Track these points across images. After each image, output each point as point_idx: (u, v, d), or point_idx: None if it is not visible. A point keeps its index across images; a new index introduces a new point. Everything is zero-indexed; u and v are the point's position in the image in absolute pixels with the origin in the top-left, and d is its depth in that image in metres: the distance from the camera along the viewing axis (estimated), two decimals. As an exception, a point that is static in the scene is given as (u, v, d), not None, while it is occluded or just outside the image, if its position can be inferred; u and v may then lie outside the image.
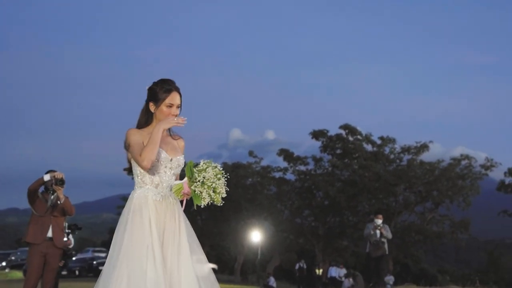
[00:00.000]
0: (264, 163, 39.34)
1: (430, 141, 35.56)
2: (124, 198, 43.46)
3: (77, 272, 28.59)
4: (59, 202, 6.15)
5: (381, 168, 34.03)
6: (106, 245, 45.12)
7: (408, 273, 35.55)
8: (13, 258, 37.39)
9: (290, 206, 38.27)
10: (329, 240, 36.98)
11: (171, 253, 3.03)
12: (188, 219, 3.22)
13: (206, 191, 2.97)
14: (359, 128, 36.82)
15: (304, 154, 38.82)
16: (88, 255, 32.14)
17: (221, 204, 3.04)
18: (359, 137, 36.43)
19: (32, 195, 6.12)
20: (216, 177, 2.99)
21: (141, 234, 2.99)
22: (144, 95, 3.24)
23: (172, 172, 3.17)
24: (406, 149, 35.49)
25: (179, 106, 3.20)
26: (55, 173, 6.04)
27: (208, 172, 2.98)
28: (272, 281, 26.52)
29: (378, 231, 11.94)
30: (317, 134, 36.77)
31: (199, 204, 3.02)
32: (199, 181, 2.98)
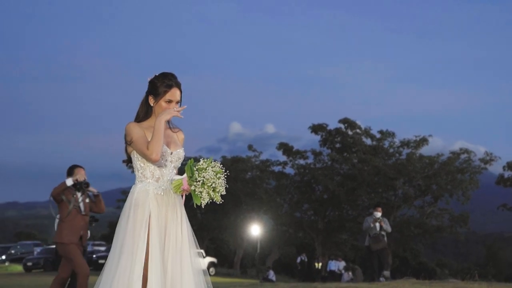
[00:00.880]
0: (263, 157, 39.49)
1: (430, 135, 35.65)
2: (124, 192, 43.50)
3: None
4: (84, 201, 6.47)
5: (381, 162, 34.02)
6: (106, 238, 45.15)
7: (407, 267, 35.58)
8: (12, 251, 37.45)
9: (289, 200, 38.30)
10: (329, 233, 37.04)
11: (172, 247, 3.03)
12: (188, 212, 3.21)
13: (206, 191, 2.96)
14: (358, 122, 36.88)
15: (304, 148, 38.90)
16: (88, 248, 32.16)
17: (221, 202, 3.03)
18: (358, 131, 36.41)
19: (56, 199, 6.42)
20: (216, 176, 2.97)
21: (143, 229, 2.99)
22: (145, 87, 3.20)
23: (173, 165, 3.15)
24: (405, 143, 35.49)
25: (179, 102, 3.16)
26: (77, 177, 6.39)
27: (209, 172, 2.96)
28: (271, 274, 26.56)
29: (378, 224, 11.82)
30: (316, 128, 36.77)
31: (198, 204, 3.00)
32: (199, 181, 2.96)
